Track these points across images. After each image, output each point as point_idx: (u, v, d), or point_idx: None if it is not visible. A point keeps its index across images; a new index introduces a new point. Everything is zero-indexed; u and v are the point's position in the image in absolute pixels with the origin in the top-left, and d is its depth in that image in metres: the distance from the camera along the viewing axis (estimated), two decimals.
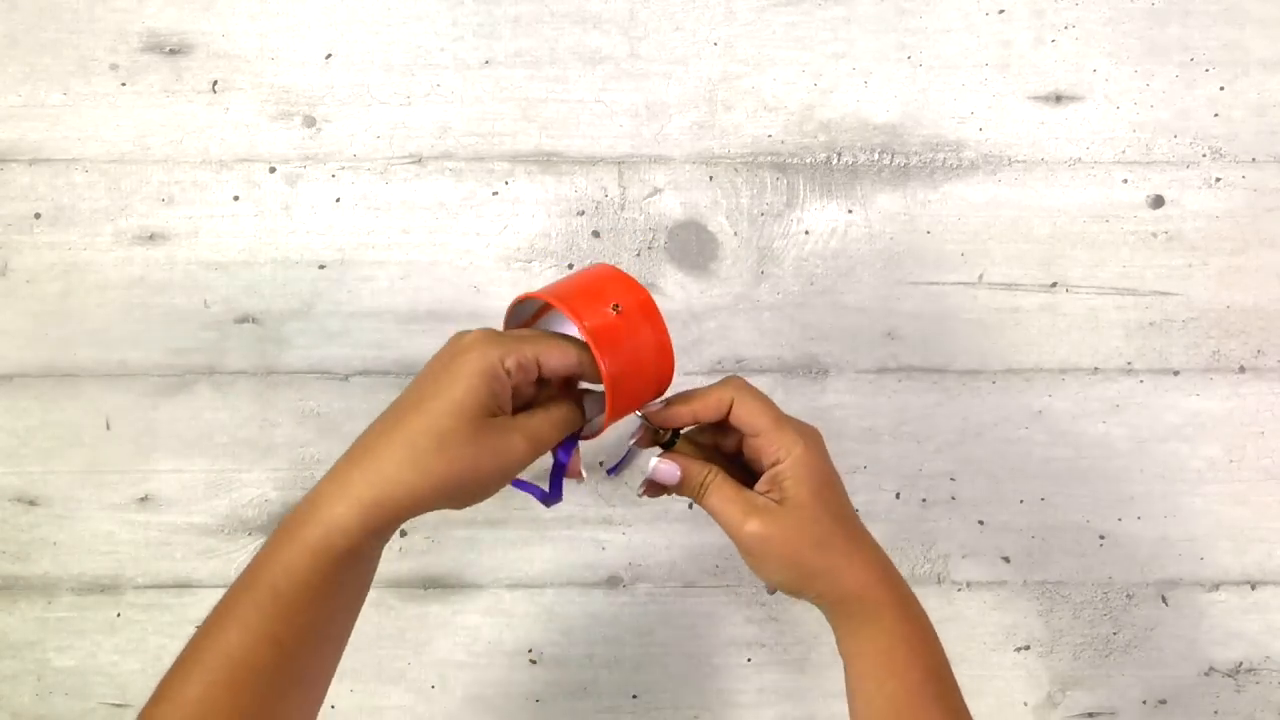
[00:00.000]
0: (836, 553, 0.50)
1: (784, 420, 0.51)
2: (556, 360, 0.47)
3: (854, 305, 0.70)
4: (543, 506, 0.69)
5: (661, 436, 0.52)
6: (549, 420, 0.48)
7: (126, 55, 0.70)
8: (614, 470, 0.54)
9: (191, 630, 0.70)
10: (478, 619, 0.69)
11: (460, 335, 0.47)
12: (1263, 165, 0.70)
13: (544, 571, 0.70)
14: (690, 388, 0.50)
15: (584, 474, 0.52)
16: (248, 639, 0.44)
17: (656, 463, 0.51)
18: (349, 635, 0.48)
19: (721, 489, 0.50)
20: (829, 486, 0.50)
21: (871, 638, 0.50)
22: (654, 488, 0.52)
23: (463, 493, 0.47)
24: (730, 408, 0.50)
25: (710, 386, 0.51)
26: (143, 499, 0.70)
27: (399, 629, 0.70)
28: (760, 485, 0.50)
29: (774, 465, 0.50)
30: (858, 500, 0.70)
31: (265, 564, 0.45)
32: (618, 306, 0.47)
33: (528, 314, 0.52)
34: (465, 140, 0.70)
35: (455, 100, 0.70)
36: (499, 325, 0.53)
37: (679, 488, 0.52)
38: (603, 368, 0.46)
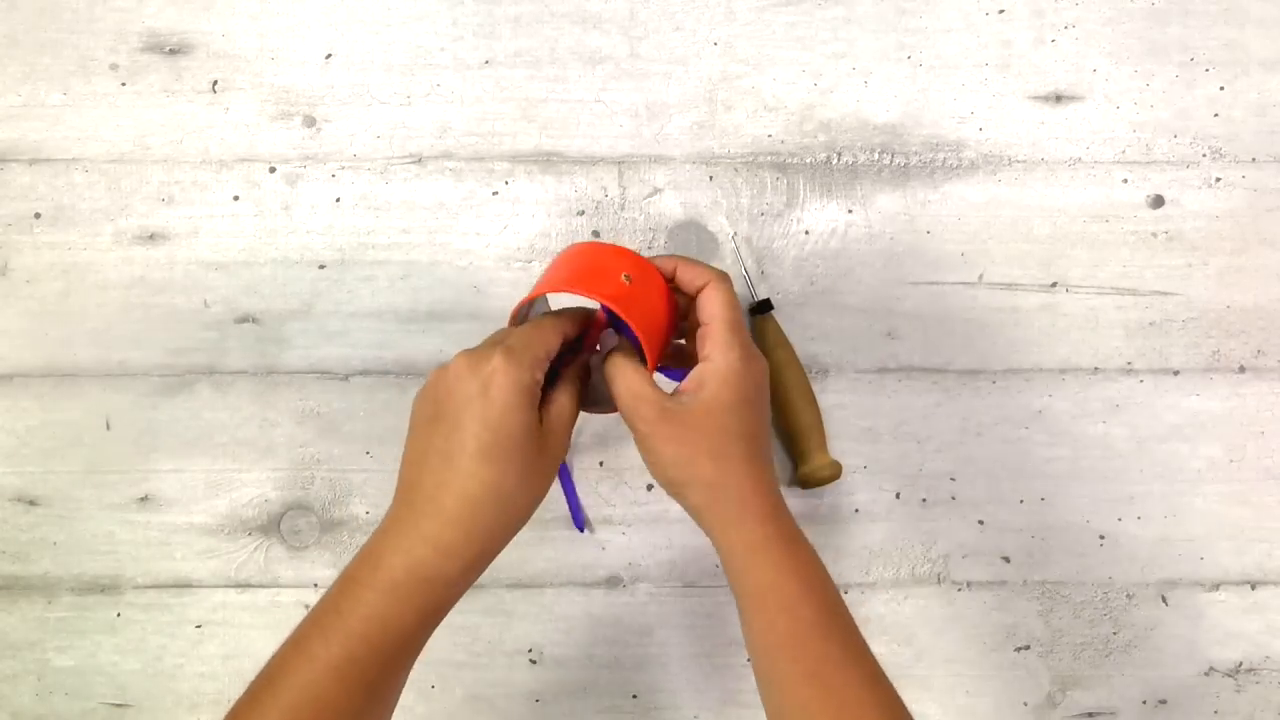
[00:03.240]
0: (731, 471, 0.47)
1: (739, 332, 0.49)
2: (568, 336, 0.50)
3: (854, 305, 0.70)
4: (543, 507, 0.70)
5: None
6: (567, 398, 0.49)
7: (126, 55, 0.70)
8: None
9: (192, 630, 0.70)
10: (477, 619, 0.69)
11: (476, 362, 0.46)
12: (1263, 165, 0.70)
13: (544, 571, 0.70)
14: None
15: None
16: (326, 677, 0.44)
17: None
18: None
19: (628, 362, 0.49)
20: (749, 406, 0.48)
21: (759, 569, 0.48)
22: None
23: (530, 509, 0.48)
24: (688, 282, 0.50)
25: (704, 266, 0.51)
26: (143, 499, 0.70)
27: None
28: (686, 382, 0.48)
29: (705, 360, 0.48)
30: (858, 500, 0.70)
31: (342, 605, 0.46)
32: (628, 276, 0.49)
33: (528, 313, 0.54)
34: (465, 140, 0.70)
35: (455, 100, 0.70)
36: (498, 324, 0.53)
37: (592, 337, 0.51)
38: (637, 331, 0.48)
